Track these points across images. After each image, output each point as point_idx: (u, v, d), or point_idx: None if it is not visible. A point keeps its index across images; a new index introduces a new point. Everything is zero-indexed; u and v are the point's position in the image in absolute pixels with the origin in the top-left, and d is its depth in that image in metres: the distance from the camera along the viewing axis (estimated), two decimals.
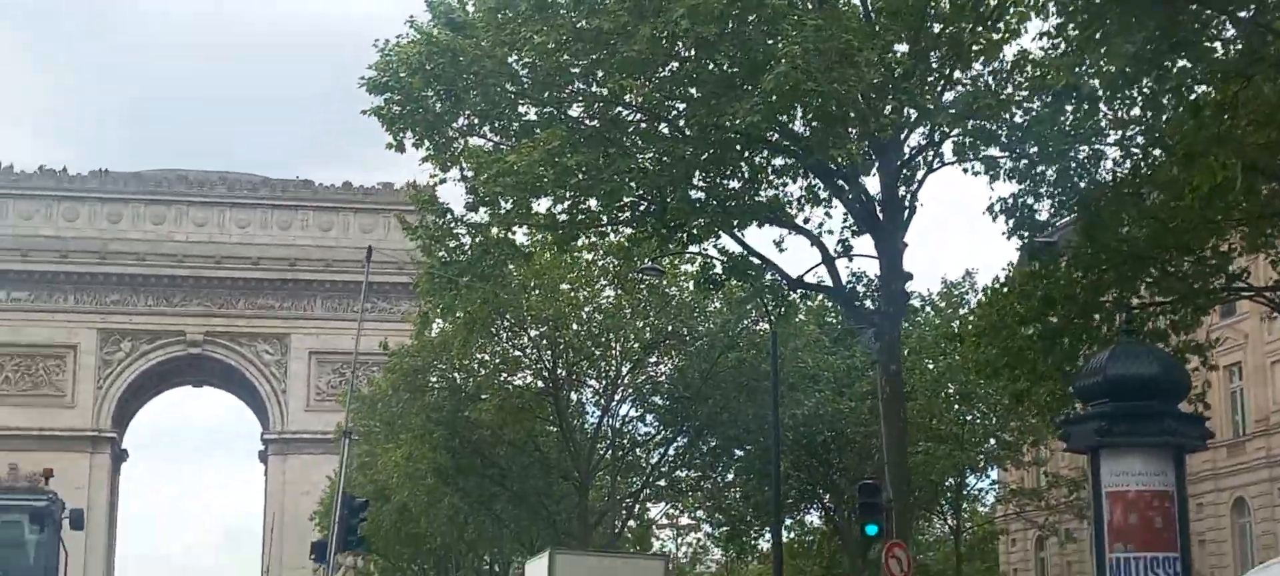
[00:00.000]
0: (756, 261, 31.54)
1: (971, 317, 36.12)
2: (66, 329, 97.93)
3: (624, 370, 50.69)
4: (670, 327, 49.56)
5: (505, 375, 49.68)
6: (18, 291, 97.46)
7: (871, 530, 29.34)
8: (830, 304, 52.73)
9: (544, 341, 49.00)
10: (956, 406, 50.14)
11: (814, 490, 53.47)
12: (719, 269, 31.77)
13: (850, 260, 31.19)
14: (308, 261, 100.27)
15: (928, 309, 52.58)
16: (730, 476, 53.74)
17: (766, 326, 49.65)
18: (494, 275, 31.90)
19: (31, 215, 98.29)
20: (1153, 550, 26.92)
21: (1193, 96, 20.29)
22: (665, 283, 48.94)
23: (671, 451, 53.10)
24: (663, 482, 54.63)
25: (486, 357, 49.65)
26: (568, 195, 29.48)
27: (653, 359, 51.03)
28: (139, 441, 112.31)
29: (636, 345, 49.51)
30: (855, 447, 50.12)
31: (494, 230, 31.48)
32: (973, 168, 31.30)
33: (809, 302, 32.21)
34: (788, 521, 57.62)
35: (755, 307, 48.85)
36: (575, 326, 48.51)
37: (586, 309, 49.18)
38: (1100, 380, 27.67)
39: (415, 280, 32.26)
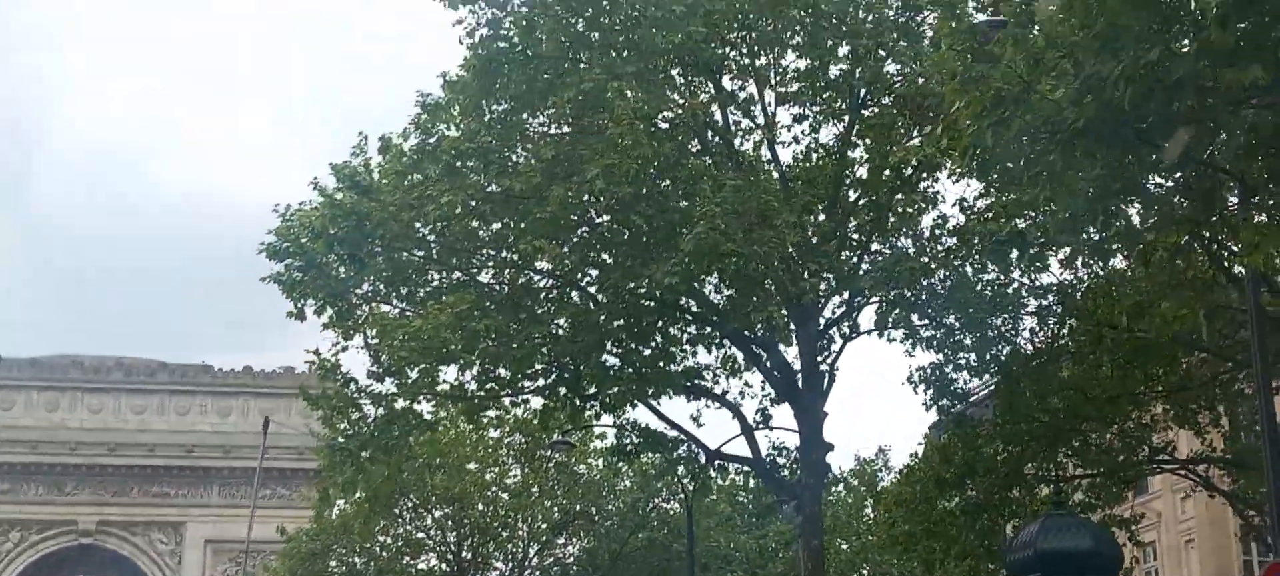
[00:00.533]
0: (672, 434, 30.33)
1: (889, 490, 35.07)
2: None
3: (532, 551, 48.94)
4: (578, 507, 48.02)
5: (408, 558, 47.74)
6: None
7: None
8: (743, 483, 51.89)
9: (449, 522, 47.22)
10: None
11: None
12: (633, 441, 30.46)
13: (769, 430, 30.08)
14: (205, 448, 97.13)
15: (840, 486, 51.45)
16: None
17: (678, 505, 48.36)
18: (398, 449, 30.27)
19: None
20: None
21: (1140, 245, 19.46)
22: (574, 461, 47.58)
23: None
24: None
25: (389, 540, 47.76)
26: (476, 362, 28.16)
27: (561, 540, 49.34)
28: None
29: (544, 525, 47.85)
30: None
31: (399, 402, 30.02)
32: (891, 336, 30.42)
33: (725, 478, 30.89)
34: None
35: (666, 485, 47.62)
36: (481, 506, 46.82)
37: (492, 488, 47.56)
38: (1031, 554, 26.58)
39: (316, 451, 30.55)
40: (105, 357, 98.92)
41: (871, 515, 48.97)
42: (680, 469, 30.86)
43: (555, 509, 47.68)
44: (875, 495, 38.16)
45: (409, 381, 28.88)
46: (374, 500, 35.71)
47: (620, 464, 47.71)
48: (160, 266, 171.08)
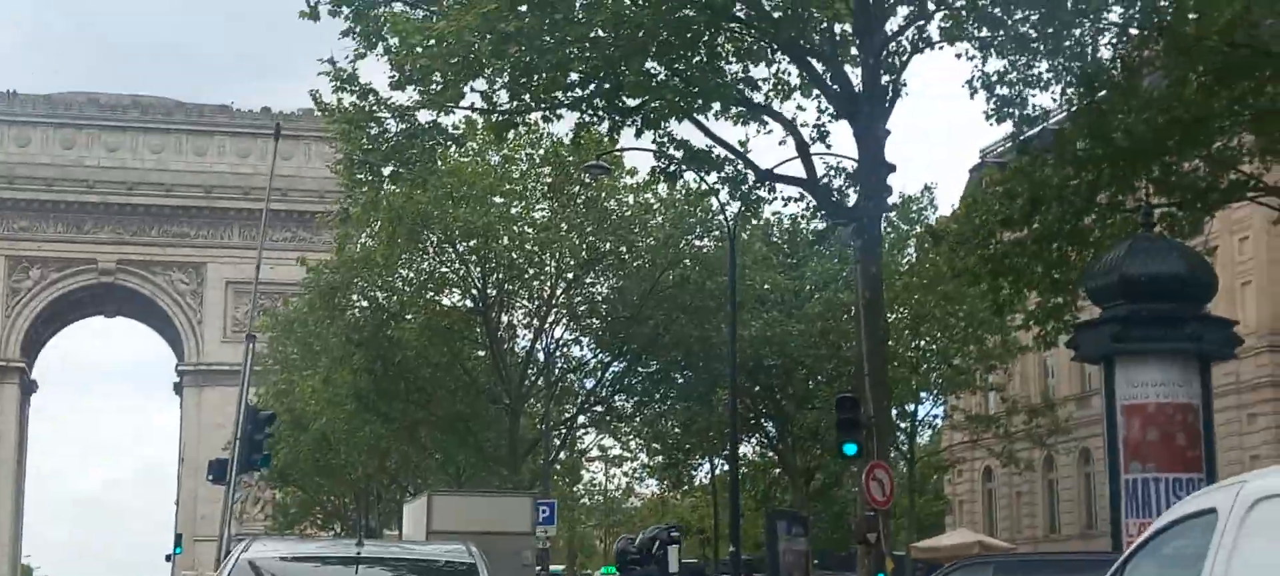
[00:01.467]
0: (719, 152, 27.43)
1: (947, 223, 32.28)
2: None
3: (558, 290, 46.47)
4: (608, 244, 45.39)
5: (431, 293, 45.35)
6: None
7: (850, 449, 25.26)
8: (779, 222, 49.19)
9: (473, 257, 44.67)
10: (906, 332, 46.31)
11: (755, 420, 49.53)
12: (676, 161, 27.53)
13: (827, 146, 27.14)
14: (224, 189, 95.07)
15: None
16: (669, 403, 49.56)
17: (712, 242, 45.80)
18: (422, 165, 27.46)
19: None
20: (1175, 471, 23.21)
21: None
22: (604, 196, 44.82)
23: (608, 376, 48.89)
24: (599, 408, 50.45)
25: (411, 274, 45.29)
26: (506, 70, 25.14)
27: (589, 278, 46.77)
28: (50, 374, 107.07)
29: (572, 262, 45.22)
30: (804, 371, 46.30)
31: (422, 114, 27.16)
32: (966, 43, 27.33)
33: (769, 204, 28.01)
34: (724, 451, 53.79)
35: (702, 221, 44.98)
36: (506, 241, 44.16)
37: (519, 224, 44.87)
38: (1115, 280, 23.67)
39: (333, 168, 27.76)
40: (122, 95, 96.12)
41: (913, 256, 46.38)
42: (725, 192, 27.91)
43: (583, 246, 44.98)
44: (929, 230, 35.33)
45: (433, 90, 25.90)
46: (396, 222, 33.02)
47: (651, 198, 45.25)
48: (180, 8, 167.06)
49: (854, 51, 27.15)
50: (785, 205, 28.16)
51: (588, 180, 44.58)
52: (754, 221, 45.87)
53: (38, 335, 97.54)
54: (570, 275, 46.07)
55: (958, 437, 54.68)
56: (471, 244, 44.08)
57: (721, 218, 45.12)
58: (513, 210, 44.57)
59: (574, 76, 26.08)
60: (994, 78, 27.44)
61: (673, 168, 27.42)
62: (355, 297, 45.91)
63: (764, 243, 46.40)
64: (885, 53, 26.86)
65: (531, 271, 46.08)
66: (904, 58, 27.32)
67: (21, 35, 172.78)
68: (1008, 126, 27.78)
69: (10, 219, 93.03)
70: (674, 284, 44.65)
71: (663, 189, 45.00)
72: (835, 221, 27.34)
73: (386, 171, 27.80)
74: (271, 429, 31.29)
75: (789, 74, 27.86)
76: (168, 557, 73.61)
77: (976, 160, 59.70)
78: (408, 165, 27.43)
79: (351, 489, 64.11)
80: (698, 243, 45.45)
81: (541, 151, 44.16)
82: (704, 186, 30.59)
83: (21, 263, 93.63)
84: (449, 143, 27.58)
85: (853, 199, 27.21)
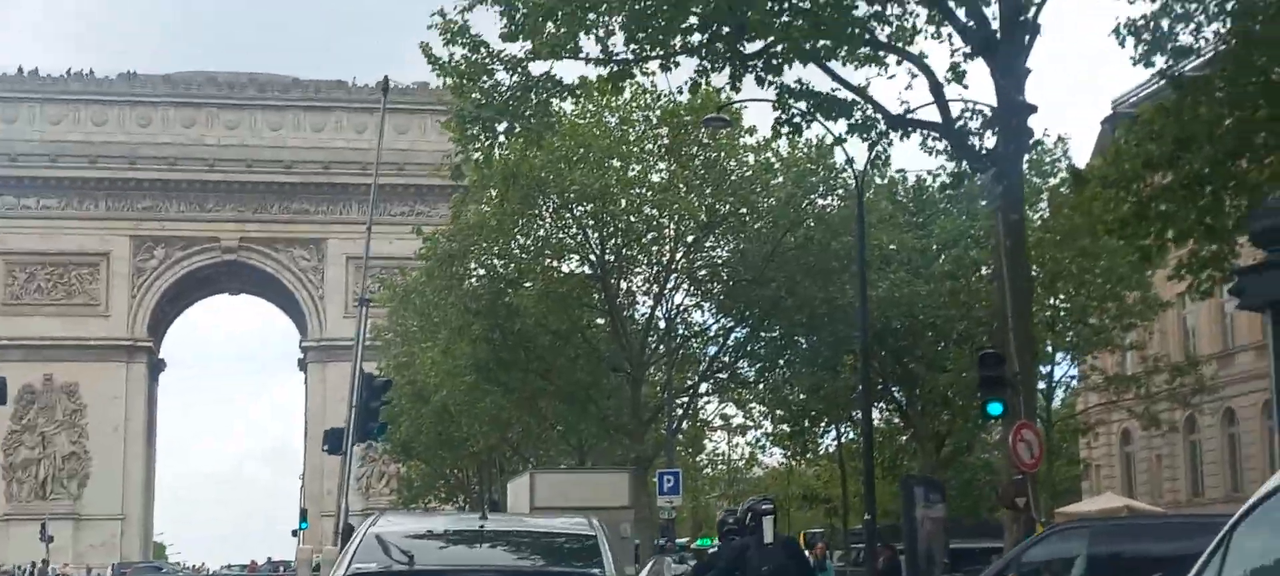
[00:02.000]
0: (847, 96, 25.77)
1: (1097, 164, 30.30)
2: (98, 236, 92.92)
3: (678, 254, 45.04)
4: (728, 206, 43.87)
5: (549, 259, 44.13)
6: (47, 199, 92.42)
7: (995, 409, 23.52)
8: (903, 179, 47.32)
9: (590, 222, 43.38)
10: (1040, 290, 44.25)
11: (883, 384, 47.70)
12: (802, 110, 25.90)
13: (964, 86, 25.35)
14: (342, 164, 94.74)
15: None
16: (793, 369, 47.86)
17: (835, 201, 44.11)
18: (538, 118, 26.10)
19: (60, 120, 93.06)
20: None
21: None
22: (724, 156, 43.32)
23: (730, 342, 47.37)
24: (723, 375, 48.91)
25: (528, 241, 44.11)
26: (623, 9, 23.69)
27: (709, 242, 45.26)
28: (177, 353, 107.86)
29: (691, 225, 43.73)
30: (933, 333, 44.41)
31: (536, 64, 25.82)
32: None
33: (905, 142, 26.15)
34: (852, 417, 52.09)
35: (825, 179, 43.29)
36: (624, 204, 42.80)
37: (637, 187, 43.47)
38: None
39: (445, 125, 26.44)
40: (239, 73, 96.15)
41: (1046, 210, 44.24)
42: (853, 140, 26.19)
43: (702, 208, 43.47)
44: (1073, 171, 33.32)
45: (546, 36, 24.53)
46: (510, 183, 31.62)
47: (772, 156, 43.64)
48: None
49: None
50: (917, 152, 26.25)
51: (706, 139, 43.18)
52: (879, 180, 44.15)
53: (164, 314, 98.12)
54: (690, 238, 44.62)
55: (1094, 399, 52.44)
56: (588, 208, 42.83)
57: (845, 176, 43.53)
58: (630, 172, 43.20)
59: (693, 18, 24.61)
60: (1141, 22, 25.63)
61: (797, 117, 25.73)
62: (472, 265, 44.82)
63: (889, 201, 44.52)
64: None
65: (650, 235, 44.74)
66: None
67: (138, 16, 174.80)
68: (1147, 72, 25.85)
69: (133, 199, 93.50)
70: (796, 245, 43.04)
71: (784, 146, 43.53)
72: (974, 166, 25.53)
73: (500, 127, 26.47)
74: (388, 396, 30.26)
75: (916, 16, 26.17)
76: (294, 533, 73.47)
77: (1108, 111, 57.33)
78: (522, 120, 26.08)
79: (474, 461, 63.26)
80: (821, 201, 43.73)
81: (658, 111, 42.80)
82: (830, 138, 28.78)
83: (146, 242, 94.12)
84: (564, 95, 26.15)
85: (990, 143, 25.49)
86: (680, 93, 25.63)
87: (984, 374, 23.70)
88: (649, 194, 43.53)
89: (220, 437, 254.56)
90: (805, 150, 43.25)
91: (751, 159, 43.55)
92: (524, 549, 9.66)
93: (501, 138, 26.53)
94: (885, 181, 45.48)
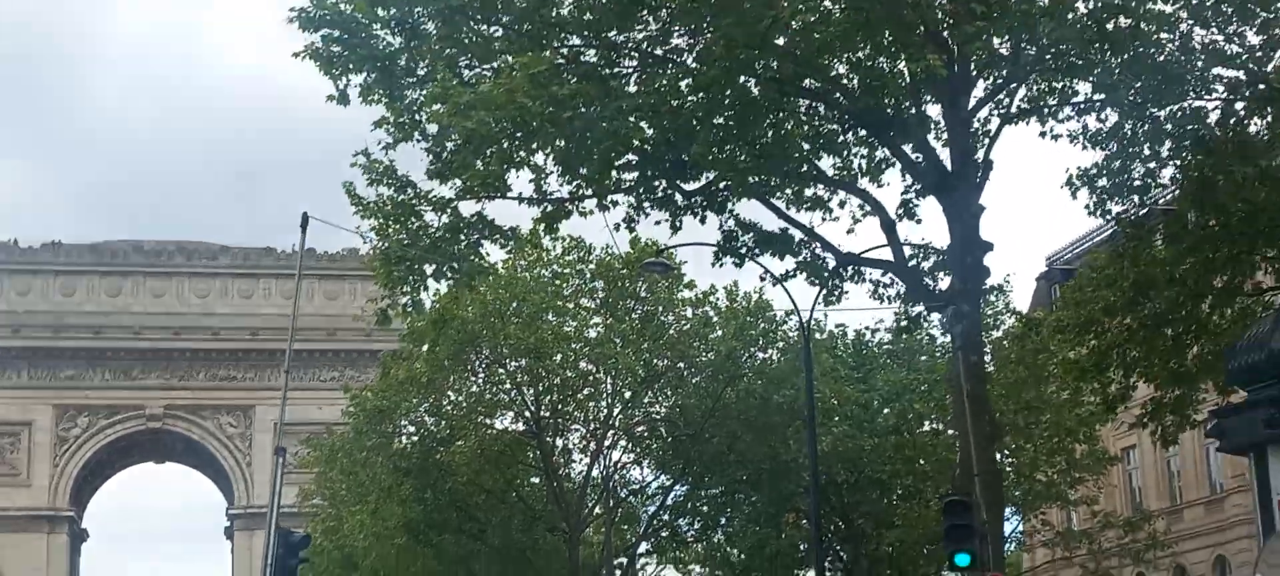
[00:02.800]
0: (793, 234, 24.41)
1: (1055, 313, 29.03)
2: (20, 405, 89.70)
3: (615, 411, 43.33)
4: (665, 362, 42.34)
5: (482, 416, 42.27)
6: None
7: (963, 560, 21.72)
8: (842, 333, 46.02)
9: (525, 378, 41.67)
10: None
11: (825, 543, 45.88)
12: (747, 244, 24.46)
13: (917, 221, 24.07)
14: (270, 330, 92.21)
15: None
16: (736, 527, 46.01)
17: (776, 354, 42.69)
18: (466, 261, 24.48)
19: None
20: None
21: None
22: (661, 310, 41.89)
23: (670, 500, 45.52)
24: (665, 534, 46.87)
25: (460, 398, 42.28)
26: (560, 140, 22.21)
27: (647, 398, 43.61)
28: (101, 523, 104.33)
29: (629, 379, 42.09)
30: (879, 489, 42.83)
31: (465, 204, 24.28)
32: (1052, 123, 24.56)
33: (857, 281, 24.66)
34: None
35: (764, 333, 41.89)
36: (559, 357, 41.16)
37: (572, 344, 41.86)
38: (1264, 356, 20.54)
39: (368, 263, 24.69)
40: (166, 242, 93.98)
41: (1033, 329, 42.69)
42: (804, 277, 24.68)
43: (640, 364, 41.89)
44: (1024, 320, 31.97)
45: (480, 169, 22.99)
46: (442, 327, 29.68)
47: (711, 310, 42.26)
48: (221, 157, 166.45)
49: (939, 121, 24.29)
50: (863, 299, 24.76)
51: (644, 292, 41.81)
52: (818, 334, 42.83)
53: (87, 484, 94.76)
54: (627, 394, 43.00)
55: (1043, 556, 50.80)
56: (522, 363, 41.17)
57: (785, 327, 42.21)
58: (566, 328, 41.64)
59: (630, 155, 23.22)
60: (1093, 169, 24.63)
61: (743, 250, 24.29)
62: (402, 423, 42.89)
63: (830, 354, 43.15)
64: (975, 123, 24.00)
65: (587, 391, 43.09)
66: (994, 130, 24.47)
67: (60, 186, 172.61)
68: (1095, 222, 24.79)
69: (58, 367, 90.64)
70: (737, 399, 41.55)
71: (722, 299, 42.27)
72: (929, 306, 24.12)
73: (428, 271, 24.81)
74: (307, 553, 28.08)
75: (858, 155, 24.98)
76: None
77: (1042, 267, 56.57)
78: (451, 263, 24.46)
79: None
80: (761, 354, 42.27)
81: (593, 264, 41.44)
82: (772, 282, 27.37)
83: (69, 411, 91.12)
84: (495, 237, 24.56)
85: (944, 283, 24.17)
86: (618, 229, 24.08)
87: (950, 522, 22.02)
88: (584, 349, 41.96)
89: None
90: (744, 303, 41.96)
91: (690, 312, 42.18)
92: None
93: (430, 280, 24.81)
94: (824, 335, 44.27)
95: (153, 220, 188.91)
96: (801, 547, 46.89)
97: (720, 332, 41.85)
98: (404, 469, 41.69)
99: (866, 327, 47.32)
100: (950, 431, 43.07)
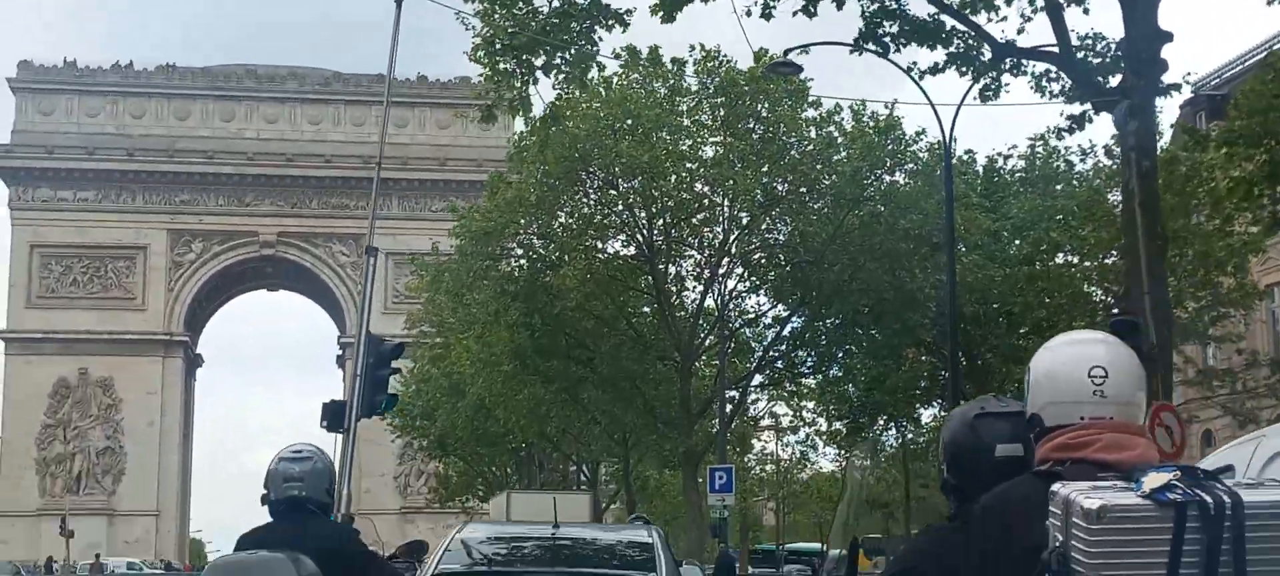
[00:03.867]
0: (947, 21, 21.32)
1: (1232, 118, 25.70)
2: (135, 229, 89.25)
3: (732, 237, 40.58)
4: (786, 186, 39.45)
5: (592, 238, 39.75)
6: (84, 191, 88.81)
7: None
8: (972, 159, 42.84)
9: (636, 199, 39.03)
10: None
11: (948, 378, 43.10)
12: (891, 32, 21.45)
13: (1085, 11, 20.89)
14: (383, 160, 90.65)
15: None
16: (856, 359, 43.28)
17: (901, 178, 39.63)
18: (579, 52, 21.74)
19: (97, 112, 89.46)
20: None
21: None
22: (784, 130, 38.89)
23: (786, 331, 42.79)
24: (779, 364, 44.22)
25: (570, 221, 39.75)
26: None
27: (765, 223, 40.79)
28: (215, 349, 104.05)
29: (747, 203, 39.27)
30: (1008, 321, 39.87)
31: None
32: None
33: (1017, 73, 21.52)
34: (915, 415, 47.61)
35: (889, 154, 38.79)
36: (674, 178, 38.42)
37: (687, 164, 39.06)
38: None
39: (471, 54, 22.10)
40: (279, 67, 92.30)
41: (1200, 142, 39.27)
42: (957, 69, 21.63)
43: (759, 187, 39.03)
44: (1188, 131, 28.56)
45: None
46: (545, 137, 26.70)
47: (835, 130, 39.20)
48: None
49: None
50: (1032, 85, 21.61)
51: (765, 112, 38.86)
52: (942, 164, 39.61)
53: (201, 309, 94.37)
54: (745, 218, 40.19)
55: (1181, 395, 47.57)
56: (635, 183, 38.48)
57: (914, 149, 39.11)
58: (681, 146, 38.81)
59: None
60: None
61: (888, 39, 21.27)
62: (510, 245, 40.51)
63: (960, 179, 39.87)
64: None
65: (702, 216, 40.38)
66: None
67: (175, 8, 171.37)
68: (1229, 51, 21.30)
69: (171, 192, 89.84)
70: (860, 225, 38.58)
71: (848, 119, 39.15)
72: (1098, 104, 20.99)
73: (537, 63, 22.11)
74: (399, 362, 25.63)
75: None
76: None
77: (1188, 94, 52.36)
78: (563, 51, 21.72)
79: (513, 458, 59.01)
80: (888, 177, 39.21)
81: (713, 79, 38.51)
82: (917, 74, 24.15)
83: (183, 236, 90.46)
84: (611, 23, 21.74)
85: (1115, 80, 21.02)
86: (748, 15, 21.09)
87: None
88: (700, 170, 39.13)
89: (259, 434, 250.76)
90: (872, 123, 38.82)
91: (813, 132, 39.06)
92: (591, 554, 10.64)
93: (539, 72, 22.08)
94: (954, 161, 40.97)
95: (266, 47, 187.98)
96: (922, 382, 44.29)
97: (845, 154, 38.78)
98: (511, 293, 39.36)
99: (997, 154, 44.07)
100: (1087, 262, 40.04)
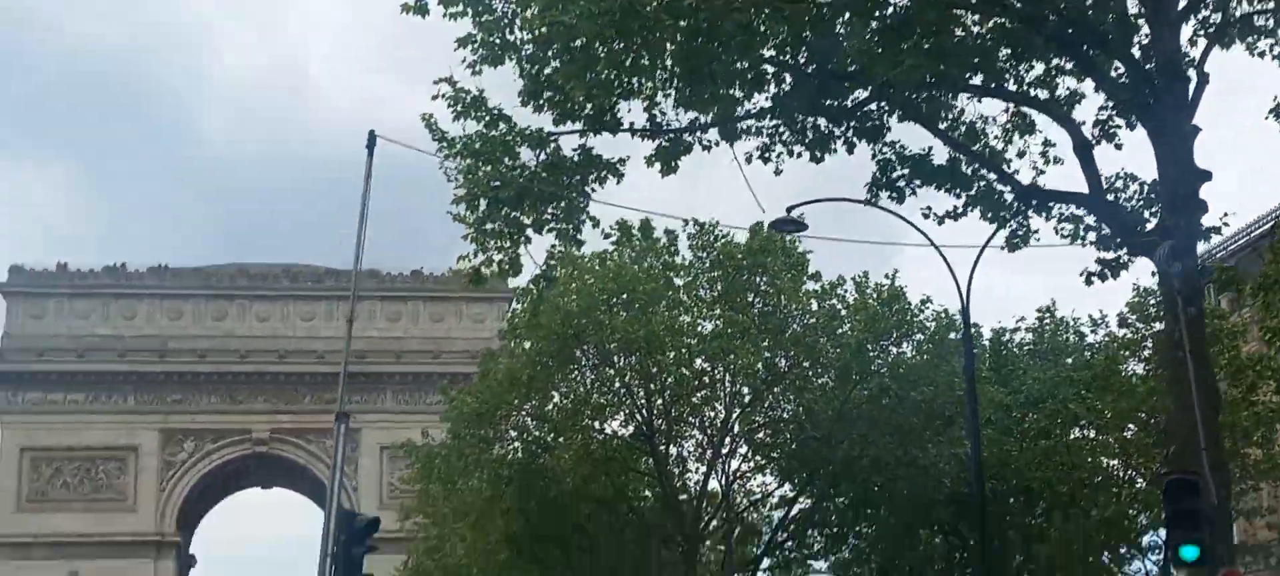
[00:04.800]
0: (960, 159, 19.55)
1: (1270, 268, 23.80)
2: (127, 429, 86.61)
3: (733, 415, 38.48)
4: (788, 362, 37.51)
5: (588, 418, 37.60)
6: (75, 393, 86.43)
7: (1190, 553, 16.66)
8: (977, 334, 40.92)
9: (634, 376, 37.02)
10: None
11: (967, 559, 40.70)
12: (903, 174, 19.63)
13: (1117, 146, 19.14)
14: (376, 354, 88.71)
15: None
16: (868, 540, 40.90)
17: (908, 350, 37.68)
18: (569, 203, 19.91)
19: (88, 314, 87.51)
20: None
21: None
22: (784, 302, 37.10)
23: (794, 512, 40.37)
24: (789, 545, 41.67)
25: (565, 402, 37.66)
26: (677, 48, 17.60)
27: (768, 400, 38.71)
28: (208, 550, 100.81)
29: (749, 379, 37.26)
30: (1025, 497, 37.63)
31: (566, 140, 19.76)
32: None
33: (1045, 216, 19.67)
34: None
35: (895, 325, 36.87)
36: (672, 354, 36.41)
37: (686, 339, 37.11)
38: None
39: (455, 205, 20.06)
40: (272, 265, 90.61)
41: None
42: (978, 211, 19.73)
43: (761, 363, 37.06)
44: (1224, 271, 26.69)
45: (578, 103, 18.49)
46: (546, 286, 24.58)
47: (837, 303, 37.39)
48: (325, 178, 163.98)
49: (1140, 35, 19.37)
50: (1065, 231, 19.71)
51: (764, 285, 37.13)
52: (953, 334, 37.70)
53: (193, 509, 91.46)
54: (747, 395, 38.14)
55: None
56: (633, 360, 36.49)
57: (920, 319, 37.21)
58: (679, 321, 36.92)
59: (766, 65, 18.54)
60: None
61: (903, 183, 19.46)
62: (504, 428, 38.30)
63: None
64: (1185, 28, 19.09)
65: (702, 393, 38.31)
66: (1203, 45, 19.57)
67: (166, 211, 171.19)
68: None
69: (163, 392, 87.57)
70: (868, 399, 36.58)
71: (851, 291, 37.37)
72: (1135, 246, 19.07)
73: (527, 220, 20.23)
74: (371, 539, 23.35)
75: (1043, 66, 20.08)
76: None
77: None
78: (553, 205, 19.87)
79: None
80: (894, 349, 37.27)
81: (712, 252, 36.89)
82: (934, 220, 22.24)
83: (175, 435, 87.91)
84: (603, 176, 19.92)
85: (1151, 223, 19.22)
86: (749, 162, 19.26)
87: (1175, 507, 16.94)
88: (700, 345, 37.17)
89: None
90: (875, 293, 37.03)
91: (815, 305, 37.24)
92: None
93: (530, 230, 20.20)
94: (958, 334, 38.92)
95: (258, 247, 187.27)
96: (937, 565, 41.80)
97: (848, 327, 36.89)
98: (506, 477, 37.16)
99: (1004, 328, 42.28)
100: (1104, 437, 37.96)
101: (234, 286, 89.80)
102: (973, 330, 40.50)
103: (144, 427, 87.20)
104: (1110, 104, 19.40)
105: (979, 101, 19.33)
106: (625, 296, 35.38)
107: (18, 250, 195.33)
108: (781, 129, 19.37)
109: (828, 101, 18.87)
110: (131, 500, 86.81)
